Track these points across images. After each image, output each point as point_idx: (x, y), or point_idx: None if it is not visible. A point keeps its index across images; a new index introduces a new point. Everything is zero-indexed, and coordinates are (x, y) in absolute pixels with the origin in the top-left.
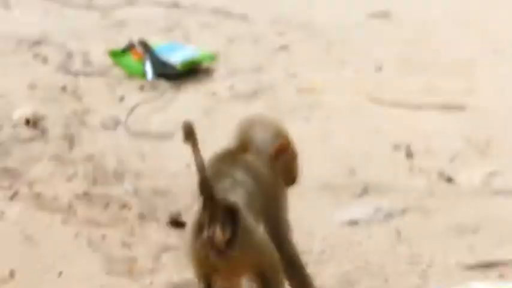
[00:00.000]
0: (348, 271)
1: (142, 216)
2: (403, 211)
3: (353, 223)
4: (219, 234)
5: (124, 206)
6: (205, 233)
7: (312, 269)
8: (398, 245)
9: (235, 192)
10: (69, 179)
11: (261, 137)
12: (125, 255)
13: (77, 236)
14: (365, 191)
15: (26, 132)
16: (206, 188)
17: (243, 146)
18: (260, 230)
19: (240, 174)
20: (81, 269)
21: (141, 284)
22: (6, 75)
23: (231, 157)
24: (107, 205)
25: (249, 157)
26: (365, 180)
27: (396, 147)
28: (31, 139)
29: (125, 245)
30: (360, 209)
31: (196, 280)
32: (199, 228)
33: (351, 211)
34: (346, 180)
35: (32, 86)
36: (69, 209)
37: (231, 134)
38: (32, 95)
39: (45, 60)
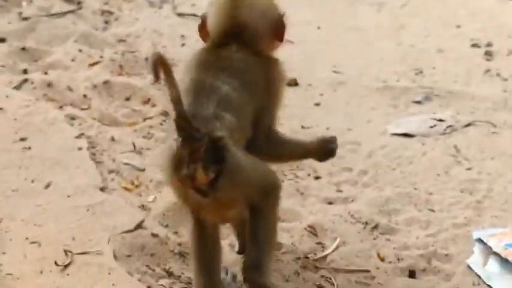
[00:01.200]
0: (389, 198)
1: (166, 114)
2: (468, 125)
3: (407, 136)
4: (201, 174)
5: (147, 101)
6: (184, 171)
7: (347, 191)
8: (453, 166)
9: (222, 116)
10: (92, 64)
11: (256, 21)
12: (131, 168)
13: (79, 138)
14: (428, 97)
15: (59, 4)
16: (184, 123)
17: (230, 32)
18: (249, 159)
19: (226, 85)
20: (73, 182)
21: (141, 201)
22: None
23: (215, 58)
24: (127, 99)
25: (236, 54)
26: (431, 85)
27: (475, 45)
28: (63, 14)
29: (137, 152)
30: (418, 119)
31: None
32: (177, 164)
33: (407, 121)
34: (409, 83)
35: None
36: (82, 102)
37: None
38: None
39: None
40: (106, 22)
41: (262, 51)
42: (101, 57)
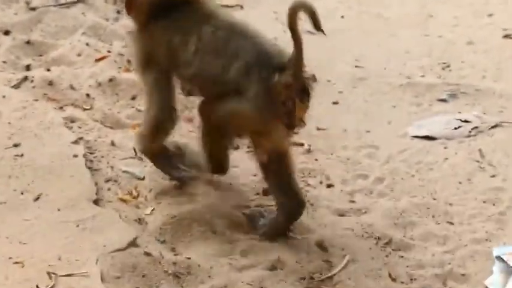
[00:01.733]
0: (405, 209)
1: None
2: (495, 126)
3: (429, 138)
4: (301, 110)
5: None
6: (284, 107)
7: (360, 202)
8: (477, 173)
9: None
10: (99, 59)
11: None
12: (130, 176)
13: (76, 144)
14: (454, 95)
15: None
16: (301, 67)
17: None
18: None
19: None
20: (65, 194)
21: (137, 214)
22: None
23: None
24: (133, 98)
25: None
26: (458, 81)
27: (507, 36)
28: (73, 3)
29: (138, 158)
30: (441, 119)
31: None
32: (275, 102)
33: (430, 121)
34: (435, 79)
35: None
36: (84, 102)
37: None
38: None
39: None
40: (118, 12)
41: None
42: (109, 51)
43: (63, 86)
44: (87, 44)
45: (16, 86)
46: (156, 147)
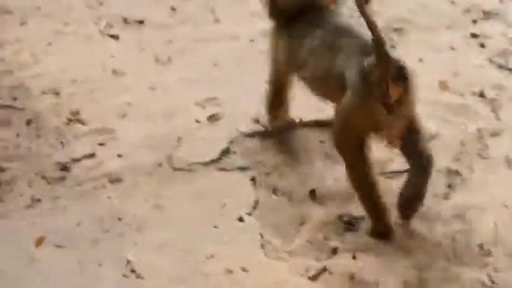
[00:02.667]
0: None
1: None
2: None
3: None
4: (394, 87)
5: None
6: (378, 89)
7: None
8: None
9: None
10: None
11: None
12: None
13: None
14: None
15: None
16: (382, 44)
17: None
18: None
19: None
20: None
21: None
22: None
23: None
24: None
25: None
26: None
27: None
28: None
29: None
30: None
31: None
32: (370, 85)
33: None
34: None
35: None
36: None
37: None
38: None
39: None
40: None
41: None
42: None
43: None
44: None
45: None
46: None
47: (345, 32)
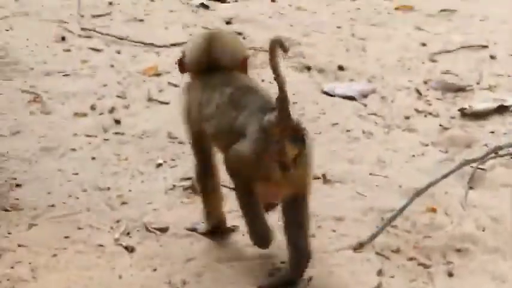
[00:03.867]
0: None
1: None
2: None
3: None
4: (290, 147)
5: None
6: (275, 146)
7: None
8: None
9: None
10: None
11: (228, 53)
12: None
13: None
14: None
15: None
16: (286, 104)
17: (207, 66)
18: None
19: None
20: None
21: None
22: None
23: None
24: None
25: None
26: None
27: None
28: None
29: None
30: None
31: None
32: (267, 141)
33: None
34: None
35: None
36: None
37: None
38: None
39: None
40: None
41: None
42: None
43: None
44: None
45: None
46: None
47: (251, 89)
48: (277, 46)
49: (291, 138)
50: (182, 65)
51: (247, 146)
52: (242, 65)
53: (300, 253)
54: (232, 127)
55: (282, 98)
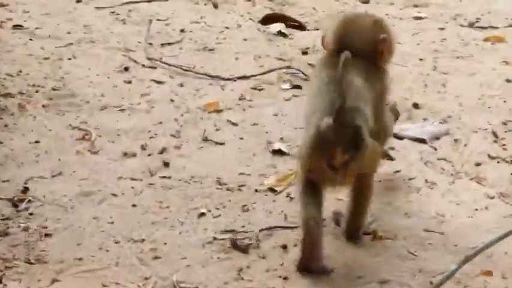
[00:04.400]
0: None
1: None
2: None
3: None
4: (339, 156)
5: None
6: (327, 151)
7: None
8: None
9: (360, 108)
10: None
11: (363, 35)
12: None
13: None
14: None
15: None
16: (343, 112)
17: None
18: (373, 145)
19: (357, 82)
20: None
21: None
22: None
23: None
24: None
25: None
26: None
27: None
28: None
29: None
30: None
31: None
32: (322, 143)
33: None
34: None
35: None
36: None
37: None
38: None
39: None
40: None
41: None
42: None
43: None
44: None
45: None
46: None
47: (338, 83)
48: (347, 59)
49: (345, 144)
50: (323, 43)
51: (304, 140)
52: (374, 50)
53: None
54: (306, 114)
55: (341, 107)
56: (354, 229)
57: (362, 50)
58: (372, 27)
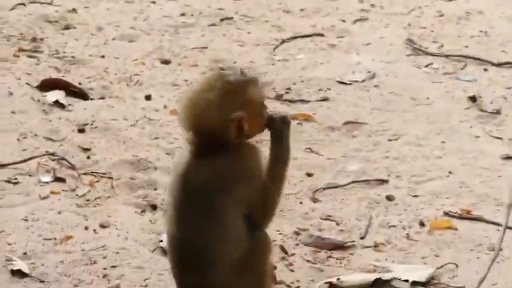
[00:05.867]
0: None
1: None
2: None
3: None
4: None
5: None
6: None
7: None
8: None
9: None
10: None
11: (211, 116)
12: None
13: None
14: None
15: None
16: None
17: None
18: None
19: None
20: None
21: None
22: None
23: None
24: None
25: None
26: None
27: None
28: None
29: None
30: None
31: None
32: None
33: None
34: None
35: None
36: None
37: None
38: None
39: None
40: None
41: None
42: None
43: None
44: None
45: None
46: None
47: None
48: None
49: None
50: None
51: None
52: (227, 131)
53: None
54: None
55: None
56: None
57: (214, 133)
58: (221, 101)
